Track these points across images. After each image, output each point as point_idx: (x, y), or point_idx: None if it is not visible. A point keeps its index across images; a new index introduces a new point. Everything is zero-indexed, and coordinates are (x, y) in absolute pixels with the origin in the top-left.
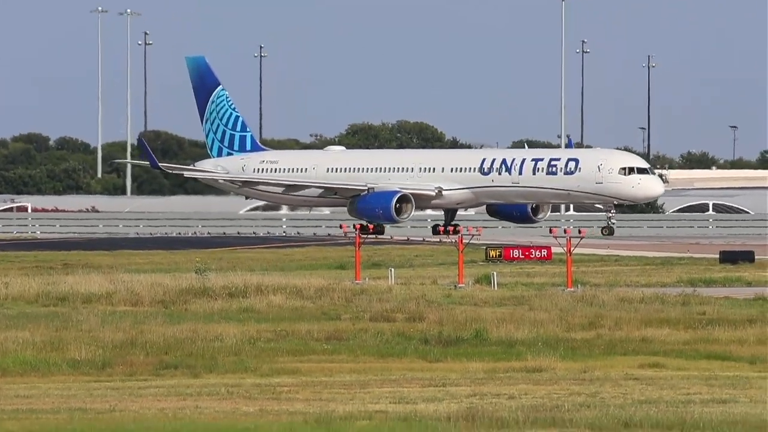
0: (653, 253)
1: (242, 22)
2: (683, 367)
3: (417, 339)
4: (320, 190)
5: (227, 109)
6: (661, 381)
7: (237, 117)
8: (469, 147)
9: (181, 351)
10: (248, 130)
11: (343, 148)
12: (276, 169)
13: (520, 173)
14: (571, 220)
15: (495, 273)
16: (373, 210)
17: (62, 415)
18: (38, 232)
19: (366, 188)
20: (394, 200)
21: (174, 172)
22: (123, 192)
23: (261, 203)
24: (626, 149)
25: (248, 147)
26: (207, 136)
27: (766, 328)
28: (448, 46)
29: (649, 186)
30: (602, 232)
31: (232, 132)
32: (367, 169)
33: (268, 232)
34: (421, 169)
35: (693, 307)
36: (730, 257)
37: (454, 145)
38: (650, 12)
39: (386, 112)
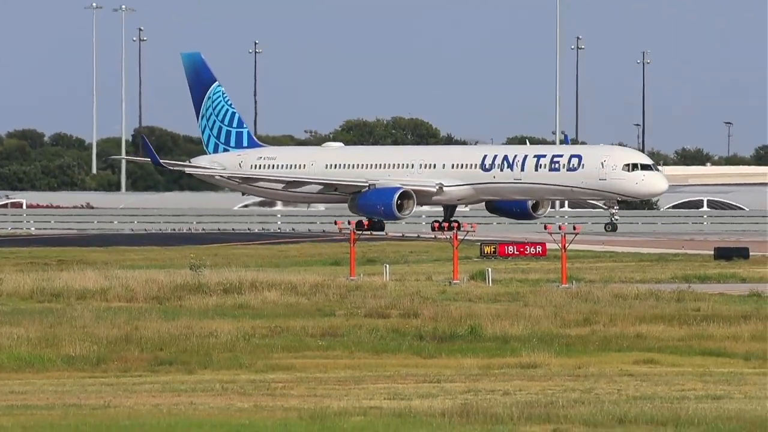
0: (648, 250)
1: (236, 18)
2: (678, 364)
3: (412, 335)
4: (320, 187)
5: (223, 105)
6: (655, 377)
7: (233, 113)
8: (464, 143)
9: (176, 347)
10: (244, 126)
11: (342, 144)
12: (274, 166)
13: (522, 169)
14: (566, 217)
15: (490, 269)
16: (374, 206)
17: (57, 410)
18: (33, 229)
19: (367, 184)
20: (396, 196)
21: (176, 169)
22: (118, 188)
23: (256, 199)
24: (621, 145)
25: (245, 143)
26: (203, 132)
27: (760, 324)
28: (444, 43)
29: (653, 182)
30: (606, 229)
31: (228, 128)
32: (367, 165)
33: (263, 228)
34: (421, 165)
35: (688, 303)
36: (724, 253)
37: (449, 141)
38: (645, 8)
39: (381, 108)
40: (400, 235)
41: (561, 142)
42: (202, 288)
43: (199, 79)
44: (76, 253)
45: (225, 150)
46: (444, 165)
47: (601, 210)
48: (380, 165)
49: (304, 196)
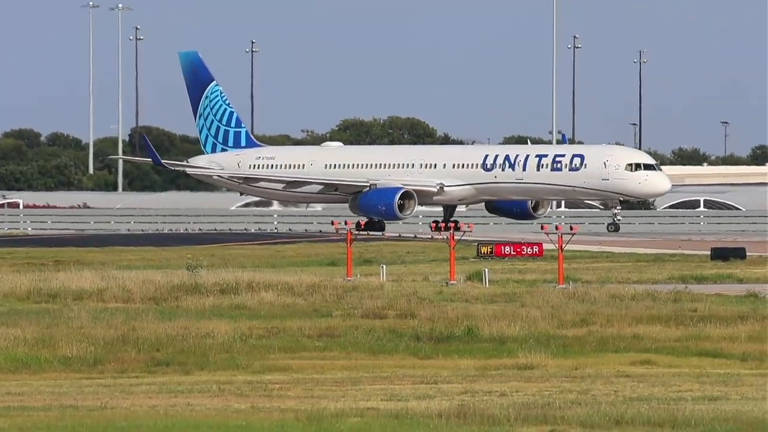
0: (645, 250)
1: (233, 18)
2: (674, 364)
3: (408, 336)
4: (320, 187)
5: (221, 105)
6: (652, 378)
7: (231, 112)
8: (461, 143)
9: (173, 348)
10: (243, 125)
11: (341, 143)
12: (273, 165)
13: (524, 169)
14: (563, 217)
15: (486, 270)
16: (375, 207)
17: (53, 412)
18: (29, 229)
19: (368, 184)
20: (397, 197)
21: (177, 169)
22: (114, 188)
23: (253, 199)
24: (618, 145)
25: (243, 143)
26: (200, 131)
27: (757, 325)
28: (440, 42)
29: (655, 183)
30: (608, 229)
31: (227, 128)
32: (367, 165)
33: (260, 229)
34: (422, 165)
35: (684, 304)
36: (721, 254)
37: (446, 141)
38: (642, 8)
39: (378, 107)
40: (397, 235)
41: (558, 142)
42: (199, 289)
43: (197, 79)
44: (72, 253)
45: (223, 150)
46: (444, 165)
47: (599, 210)
48: (380, 165)
49: (304, 196)
